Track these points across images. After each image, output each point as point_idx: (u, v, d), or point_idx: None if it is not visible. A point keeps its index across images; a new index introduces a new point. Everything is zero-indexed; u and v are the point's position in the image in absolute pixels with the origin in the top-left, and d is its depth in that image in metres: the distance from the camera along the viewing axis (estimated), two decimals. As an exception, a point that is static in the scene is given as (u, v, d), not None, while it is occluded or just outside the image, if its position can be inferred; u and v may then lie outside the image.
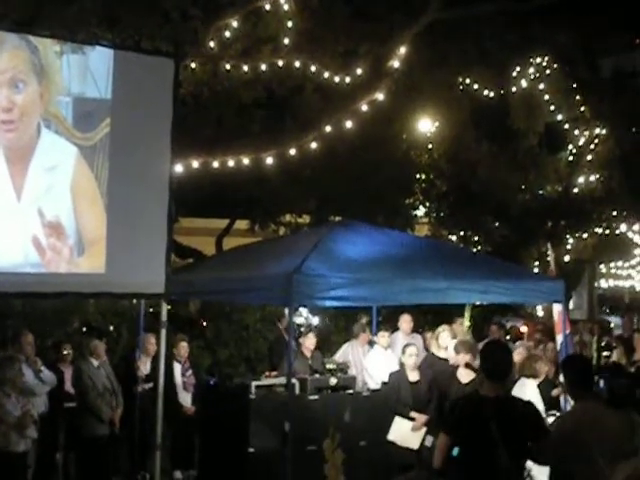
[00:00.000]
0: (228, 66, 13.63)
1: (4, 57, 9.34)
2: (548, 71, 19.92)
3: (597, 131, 21.03)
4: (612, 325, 22.84)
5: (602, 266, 24.64)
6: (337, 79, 14.75)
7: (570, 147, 21.24)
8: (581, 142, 21.10)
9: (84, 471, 12.08)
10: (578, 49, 20.79)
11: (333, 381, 11.80)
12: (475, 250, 19.86)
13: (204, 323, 16.57)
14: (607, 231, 21.92)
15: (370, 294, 10.99)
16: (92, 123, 9.88)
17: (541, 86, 19.88)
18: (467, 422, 6.81)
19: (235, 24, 13.38)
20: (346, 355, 13.66)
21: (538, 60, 19.83)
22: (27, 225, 9.40)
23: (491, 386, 6.91)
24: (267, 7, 13.79)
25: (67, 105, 9.75)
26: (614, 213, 21.57)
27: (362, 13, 15.45)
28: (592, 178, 20.88)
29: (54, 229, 9.55)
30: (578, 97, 20.82)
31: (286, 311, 12.91)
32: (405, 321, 14.26)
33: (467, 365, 11.38)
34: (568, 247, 21.15)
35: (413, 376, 11.90)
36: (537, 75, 19.83)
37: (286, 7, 13.88)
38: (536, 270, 19.71)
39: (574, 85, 20.75)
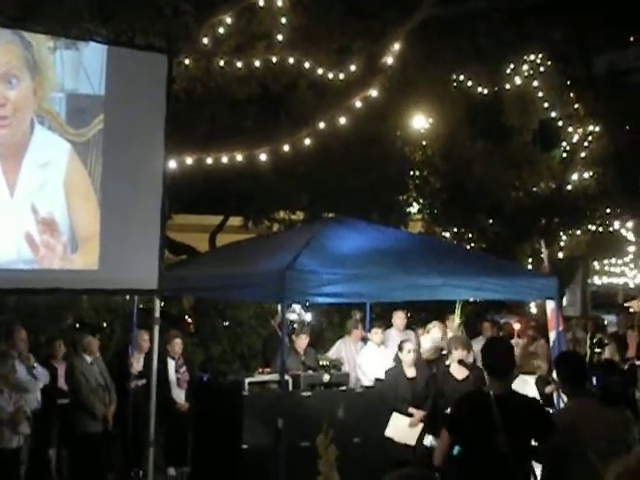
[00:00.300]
0: (222, 62, 13.63)
1: (-3, 53, 9.32)
2: (542, 68, 19.97)
3: (591, 128, 21.08)
4: (606, 322, 22.85)
5: (595, 263, 24.68)
6: (331, 75, 14.76)
7: (564, 144, 21.28)
8: (575, 139, 21.14)
9: (77, 468, 12.07)
10: (572, 46, 20.84)
11: (326, 378, 11.79)
12: (469, 247, 19.88)
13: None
14: (600, 228, 21.98)
15: (364, 290, 10.96)
16: (85, 119, 9.84)
17: (535, 83, 19.92)
18: (470, 420, 6.80)
19: (229, 20, 13.38)
20: (339, 352, 13.66)
21: (532, 57, 19.88)
22: (20, 221, 9.36)
23: (494, 383, 6.90)
24: (261, 3, 13.79)
25: (60, 101, 9.71)
26: (607, 210, 21.62)
27: (356, 10, 15.46)
28: (586, 175, 20.92)
29: (47, 226, 9.52)
30: (572, 94, 20.88)
31: (279, 307, 12.91)
32: (399, 318, 14.26)
33: (460, 362, 11.37)
34: (562, 244, 21.19)
35: (410, 372, 11.89)
36: (531, 72, 19.88)
37: (280, 3, 13.89)
38: (529, 267, 19.73)
39: (568, 82, 20.80)
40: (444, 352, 12.32)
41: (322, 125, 14.31)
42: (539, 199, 20.28)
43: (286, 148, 14.01)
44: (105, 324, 15.47)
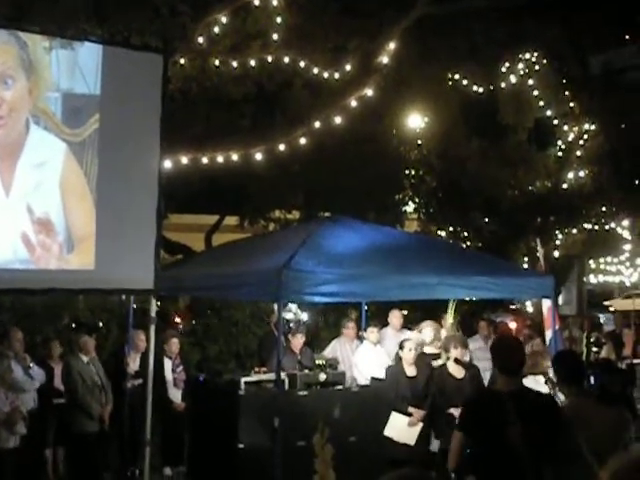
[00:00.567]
0: (217, 62, 13.63)
1: (-8, 53, 9.31)
2: (537, 67, 19.97)
3: (586, 127, 21.09)
4: (602, 321, 22.87)
5: (591, 262, 24.69)
6: (326, 75, 14.77)
7: (559, 143, 21.29)
8: (570, 138, 21.15)
9: (73, 468, 12.08)
10: (568, 45, 20.83)
11: (322, 377, 11.78)
12: (464, 246, 19.88)
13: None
14: (596, 227, 21.99)
15: (359, 290, 10.96)
16: (81, 119, 9.84)
17: (530, 82, 19.93)
18: (483, 418, 6.75)
19: (224, 20, 13.39)
20: (334, 351, 13.64)
21: (527, 56, 19.89)
22: (16, 222, 9.36)
23: (505, 381, 6.86)
24: (256, 2, 13.80)
25: (56, 101, 9.71)
26: (603, 209, 21.63)
27: (351, 9, 15.47)
28: (581, 174, 20.94)
29: (43, 226, 9.52)
30: (567, 93, 20.88)
31: (275, 307, 12.91)
32: (395, 317, 14.24)
33: (456, 360, 11.39)
34: (557, 243, 21.21)
35: (410, 371, 11.87)
36: (526, 71, 19.88)
37: (275, 2, 13.90)
38: (525, 266, 19.75)
39: (564, 81, 20.81)
40: (439, 351, 12.36)
41: (317, 124, 14.33)
42: (535, 198, 20.29)
43: (282, 147, 14.02)
44: (101, 324, 15.44)
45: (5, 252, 9.33)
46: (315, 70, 14.65)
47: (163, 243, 12.11)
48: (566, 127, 21.10)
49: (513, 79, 19.59)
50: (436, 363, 12.09)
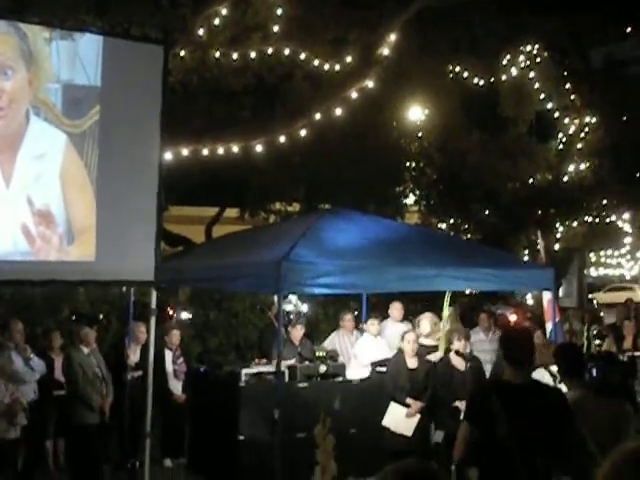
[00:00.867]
0: (217, 54, 13.61)
1: (-8, 44, 9.30)
2: (538, 59, 19.95)
3: (587, 119, 21.07)
4: (602, 313, 22.90)
5: (592, 254, 24.72)
6: (327, 66, 14.76)
7: (560, 135, 21.28)
8: (571, 130, 21.14)
9: (74, 459, 12.06)
10: (569, 37, 20.82)
11: (323, 368, 11.80)
12: (465, 238, 19.89)
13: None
14: (597, 219, 21.99)
15: (359, 281, 10.94)
16: (81, 110, 9.82)
17: (531, 74, 19.91)
18: (485, 410, 6.74)
19: (224, 12, 13.38)
20: (333, 344, 13.63)
21: (528, 48, 19.87)
22: (16, 213, 9.35)
23: (514, 373, 6.84)
24: (256, -6, 13.79)
25: (56, 92, 9.68)
26: (604, 201, 21.64)
27: (351, 0, 15.46)
28: (582, 166, 20.94)
29: (44, 217, 9.50)
30: (568, 85, 20.86)
31: (275, 298, 12.91)
32: (396, 309, 14.22)
33: (457, 352, 11.40)
34: (558, 235, 21.21)
35: (412, 363, 11.85)
36: (527, 63, 19.86)
37: (275, -6, 13.89)
38: (526, 258, 19.76)
39: (564, 73, 20.79)
40: (436, 343, 12.38)
41: (318, 116, 14.32)
42: (535, 190, 20.30)
43: (282, 139, 14.02)
44: (102, 316, 15.45)
45: (5, 244, 9.32)
46: (315, 62, 14.64)
47: (163, 235, 12.11)
48: (567, 120, 21.09)
49: (514, 71, 19.58)
50: (432, 357, 12.12)
